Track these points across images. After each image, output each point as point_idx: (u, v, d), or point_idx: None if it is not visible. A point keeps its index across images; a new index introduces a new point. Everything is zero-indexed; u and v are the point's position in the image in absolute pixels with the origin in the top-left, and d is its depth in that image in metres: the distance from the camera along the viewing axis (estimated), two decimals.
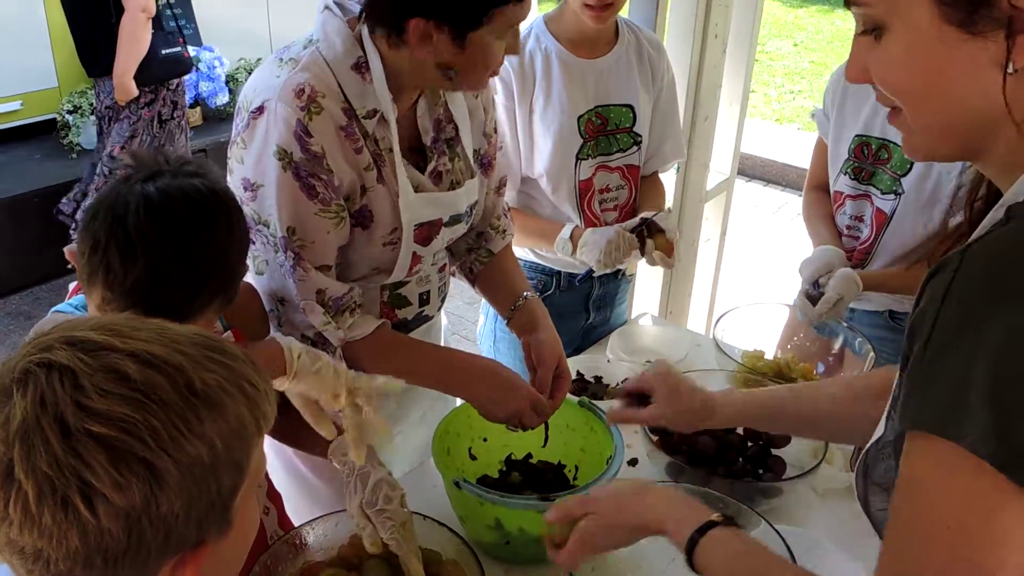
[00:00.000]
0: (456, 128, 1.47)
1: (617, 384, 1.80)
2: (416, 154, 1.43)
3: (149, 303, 1.03)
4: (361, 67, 1.29)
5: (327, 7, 1.31)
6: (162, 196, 1.04)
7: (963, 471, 0.65)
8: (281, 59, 1.30)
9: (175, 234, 1.04)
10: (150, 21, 3.48)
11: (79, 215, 3.82)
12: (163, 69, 3.63)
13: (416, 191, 1.38)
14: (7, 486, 0.59)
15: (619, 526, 1.05)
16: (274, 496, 1.47)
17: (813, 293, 1.84)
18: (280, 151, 1.24)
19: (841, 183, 1.96)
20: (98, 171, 3.74)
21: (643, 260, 1.88)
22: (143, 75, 3.54)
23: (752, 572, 0.92)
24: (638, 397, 1.31)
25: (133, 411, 0.61)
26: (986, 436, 0.63)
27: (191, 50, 4.57)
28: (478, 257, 1.66)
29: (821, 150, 2.04)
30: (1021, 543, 0.64)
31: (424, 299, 1.57)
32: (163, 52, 3.61)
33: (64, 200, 3.88)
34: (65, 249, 1.10)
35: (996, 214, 0.72)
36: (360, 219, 1.36)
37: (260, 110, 1.26)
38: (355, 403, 1.19)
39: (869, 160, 1.90)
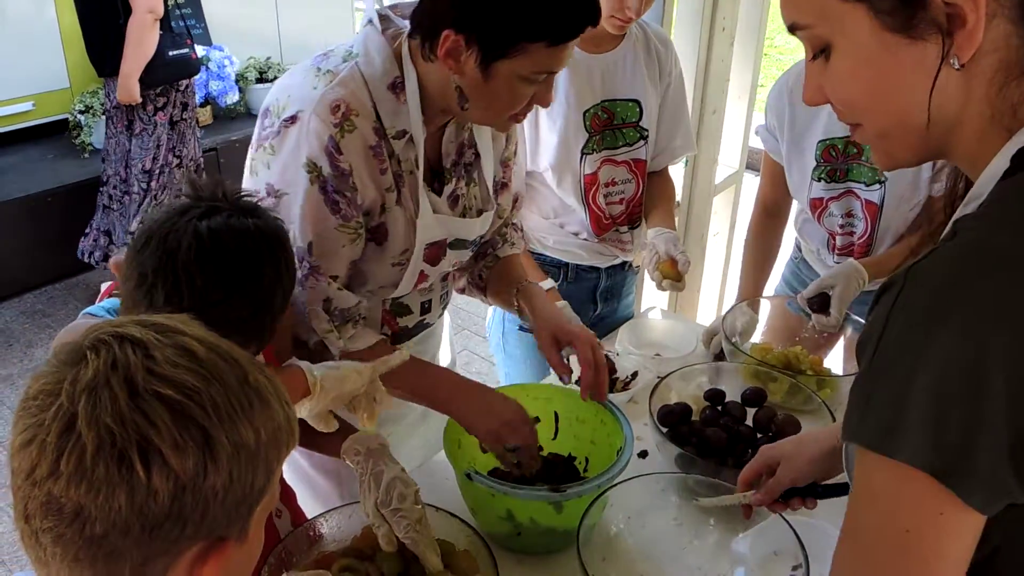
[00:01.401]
0: (477, 155, 1.48)
1: (627, 377, 1.81)
2: (433, 176, 1.44)
3: None
4: (397, 87, 1.29)
5: (370, 21, 1.32)
6: (214, 238, 1.03)
7: (907, 482, 0.67)
8: (319, 68, 1.29)
9: (223, 279, 1.03)
10: (157, 23, 3.48)
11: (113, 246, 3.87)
12: (170, 71, 3.64)
13: (433, 213, 1.40)
14: (65, 438, 0.61)
15: None
16: (287, 497, 1.48)
17: (814, 300, 1.84)
18: (310, 164, 1.25)
19: (817, 189, 1.94)
20: (136, 188, 3.77)
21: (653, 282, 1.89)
22: (150, 77, 3.55)
23: None
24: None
25: (198, 382, 0.64)
26: (920, 449, 0.66)
27: (201, 49, 4.59)
28: (485, 264, 1.66)
29: (769, 166, 2.02)
30: (961, 542, 0.69)
31: (426, 307, 1.58)
32: (171, 54, 3.61)
33: (89, 243, 3.90)
34: (111, 262, 1.11)
35: (964, 211, 0.73)
36: (376, 236, 1.37)
37: (293, 119, 1.26)
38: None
39: (840, 160, 1.89)
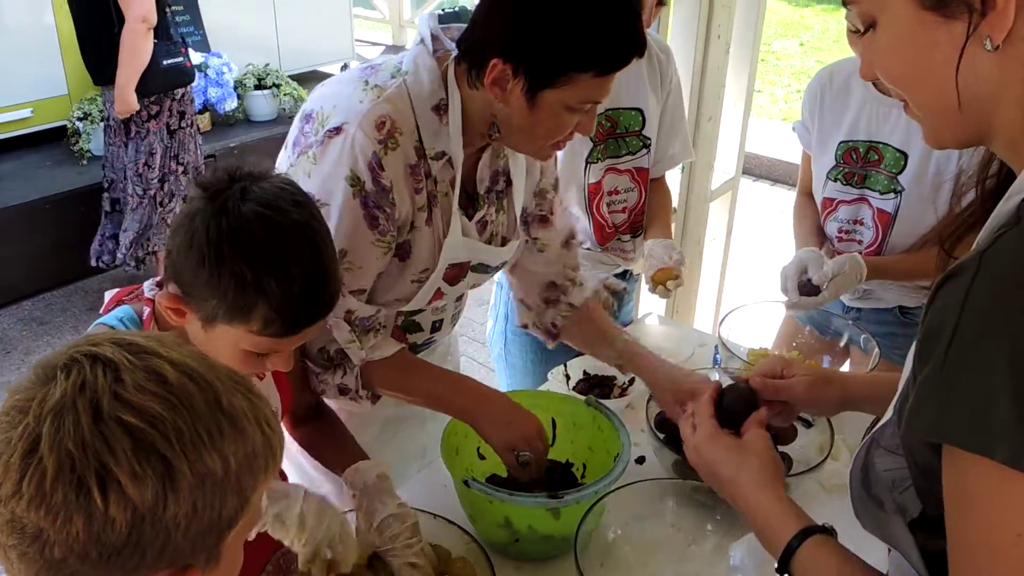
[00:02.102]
0: (508, 182, 1.48)
1: (624, 383, 1.81)
2: (466, 200, 1.44)
3: (316, 306, 1.09)
4: (441, 109, 1.29)
5: (423, 41, 1.31)
6: (269, 207, 1.04)
7: (1011, 483, 0.63)
8: (367, 82, 1.29)
9: (303, 233, 1.06)
10: (151, 32, 3.46)
11: (120, 253, 3.87)
12: (164, 80, 3.61)
13: (462, 236, 1.40)
14: (28, 459, 0.61)
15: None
16: None
17: (806, 284, 1.85)
18: (353, 177, 1.25)
19: (830, 189, 1.96)
20: (131, 191, 3.77)
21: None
22: (144, 86, 3.52)
23: None
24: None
25: (164, 410, 0.63)
26: (1020, 450, 0.61)
27: (199, 56, 4.60)
28: (559, 312, 1.65)
29: (807, 160, 2.07)
30: None
31: (436, 326, 1.58)
32: (165, 63, 3.58)
33: (96, 247, 3.90)
34: (158, 299, 1.09)
35: (1006, 205, 0.72)
36: (399, 252, 1.37)
37: (338, 131, 1.25)
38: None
39: (859, 164, 1.91)
